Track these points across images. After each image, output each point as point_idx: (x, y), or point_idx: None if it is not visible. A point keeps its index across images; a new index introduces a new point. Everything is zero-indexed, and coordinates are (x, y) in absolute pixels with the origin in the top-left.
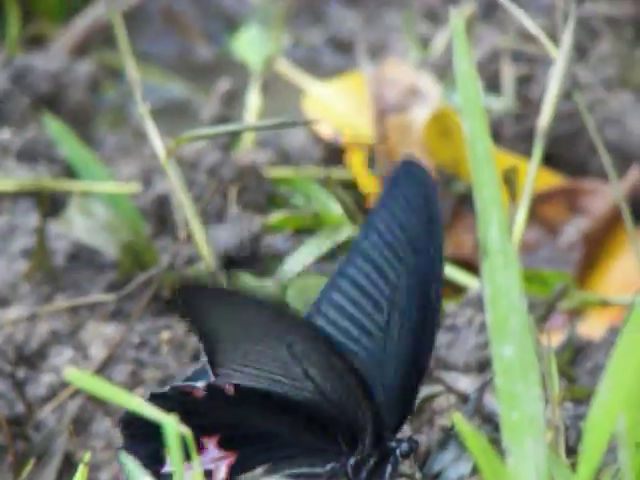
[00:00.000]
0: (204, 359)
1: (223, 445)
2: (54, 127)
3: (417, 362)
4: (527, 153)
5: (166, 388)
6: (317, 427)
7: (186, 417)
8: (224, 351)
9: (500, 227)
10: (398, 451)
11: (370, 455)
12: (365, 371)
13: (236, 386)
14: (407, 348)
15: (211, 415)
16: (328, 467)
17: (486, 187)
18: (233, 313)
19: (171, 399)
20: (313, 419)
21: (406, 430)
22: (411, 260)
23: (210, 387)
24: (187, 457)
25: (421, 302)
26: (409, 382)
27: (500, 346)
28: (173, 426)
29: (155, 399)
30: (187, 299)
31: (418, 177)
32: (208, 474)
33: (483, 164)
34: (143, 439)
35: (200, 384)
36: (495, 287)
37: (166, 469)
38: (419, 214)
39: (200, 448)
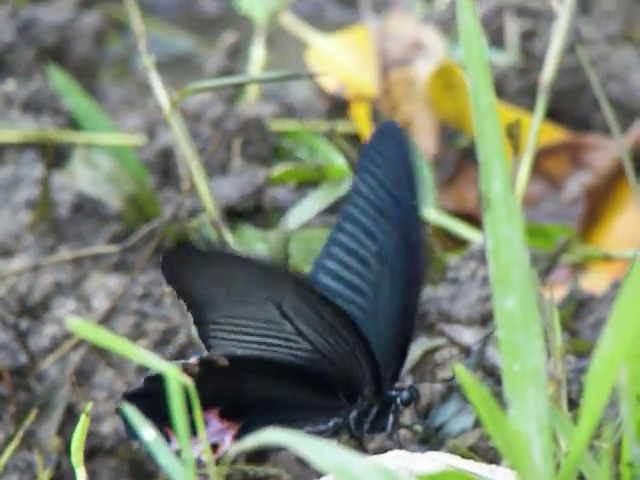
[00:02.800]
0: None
1: (225, 416)
2: (59, 79)
3: (407, 311)
4: (530, 108)
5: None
6: (316, 386)
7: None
8: (213, 320)
9: (503, 179)
10: (399, 399)
11: (371, 406)
12: (360, 325)
13: (229, 357)
14: (397, 299)
15: (209, 388)
16: (331, 423)
17: (489, 140)
18: (219, 274)
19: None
20: (311, 379)
21: (407, 382)
22: (395, 215)
23: (203, 361)
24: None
25: (407, 255)
26: (401, 332)
27: (502, 298)
28: (176, 376)
29: (151, 381)
30: (171, 264)
31: (396, 138)
32: (213, 447)
33: (486, 117)
34: (147, 397)
35: (193, 360)
36: (498, 239)
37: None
38: (398, 172)
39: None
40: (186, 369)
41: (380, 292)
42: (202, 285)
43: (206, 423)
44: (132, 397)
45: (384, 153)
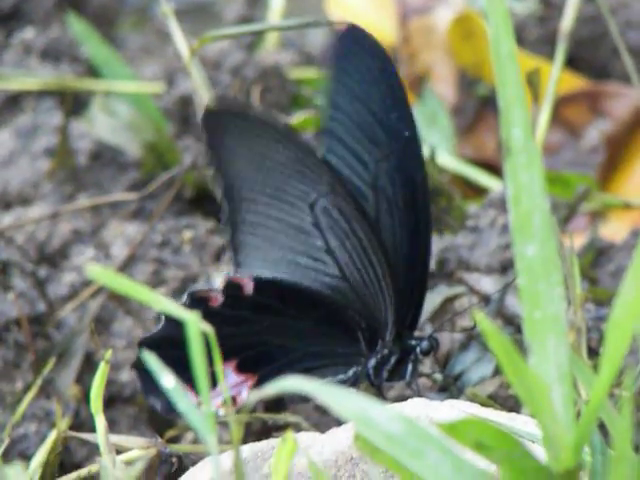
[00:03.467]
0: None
1: (242, 369)
2: (78, 27)
3: (419, 254)
4: (550, 56)
5: (183, 298)
6: (338, 327)
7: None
8: (247, 217)
9: (523, 126)
10: (418, 349)
11: (391, 354)
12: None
13: (255, 281)
14: (403, 239)
15: (229, 331)
16: (350, 372)
17: (509, 87)
18: (259, 144)
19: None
20: (334, 316)
21: (427, 330)
22: (386, 143)
23: (229, 284)
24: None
25: (408, 189)
26: (415, 278)
27: (523, 245)
28: (195, 323)
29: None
30: (213, 126)
31: (368, 47)
32: (231, 400)
33: (507, 64)
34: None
35: (218, 283)
36: (518, 186)
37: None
38: (380, 90)
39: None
40: (209, 298)
41: (379, 225)
42: (241, 157)
43: (224, 376)
44: (149, 342)
45: (358, 65)
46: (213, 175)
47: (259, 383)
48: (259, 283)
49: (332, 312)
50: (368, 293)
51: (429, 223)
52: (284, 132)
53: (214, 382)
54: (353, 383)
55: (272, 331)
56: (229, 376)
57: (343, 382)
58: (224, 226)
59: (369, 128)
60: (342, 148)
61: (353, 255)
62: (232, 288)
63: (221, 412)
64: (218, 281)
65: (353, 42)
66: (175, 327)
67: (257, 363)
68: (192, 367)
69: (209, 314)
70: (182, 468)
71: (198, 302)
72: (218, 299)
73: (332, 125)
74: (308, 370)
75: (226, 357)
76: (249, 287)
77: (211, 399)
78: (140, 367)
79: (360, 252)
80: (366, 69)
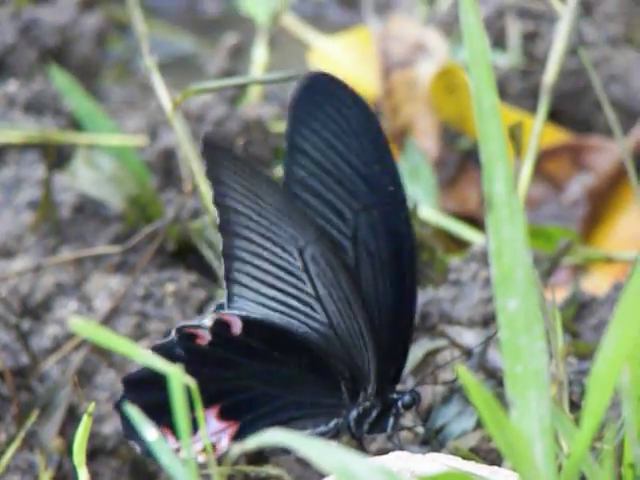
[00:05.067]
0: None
1: (224, 416)
2: (61, 80)
3: (403, 309)
4: (532, 109)
5: (171, 335)
6: (322, 375)
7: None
8: (239, 253)
9: (506, 180)
10: (400, 402)
11: (372, 406)
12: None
13: (244, 320)
14: (388, 292)
15: (214, 373)
16: (332, 424)
17: (492, 141)
18: (252, 185)
19: (174, 352)
20: (319, 364)
21: (409, 383)
22: (366, 194)
23: (217, 323)
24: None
25: (392, 241)
26: (399, 332)
27: (505, 299)
28: (178, 375)
29: (159, 350)
30: (211, 154)
31: (343, 96)
32: (212, 447)
33: (489, 118)
34: (145, 390)
35: (207, 320)
36: (500, 240)
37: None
38: (359, 140)
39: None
40: (197, 336)
41: (360, 278)
42: (235, 193)
43: (205, 422)
44: (132, 381)
45: (325, 108)
46: (213, 203)
47: (241, 431)
48: (247, 323)
49: (317, 359)
50: (352, 344)
51: (415, 276)
52: (274, 187)
53: (195, 427)
54: (334, 435)
55: (257, 376)
56: (211, 422)
57: (324, 434)
58: (221, 257)
59: (345, 178)
60: (311, 196)
61: (339, 305)
62: (220, 326)
63: (201, 458)
64: (207, 319)
65: (325, 90)
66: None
67: (240, 410)
68: (173, 414)
69: (195, 351)
70: None
71: (186, 338)
72: (206, 337)
73: (298, 171)
74: (290, 420)
75: (209, 402)
76: (237, 326)
77: (191, 445)
78: (121, 409)
79: (345, 303)
80: (341, 118)
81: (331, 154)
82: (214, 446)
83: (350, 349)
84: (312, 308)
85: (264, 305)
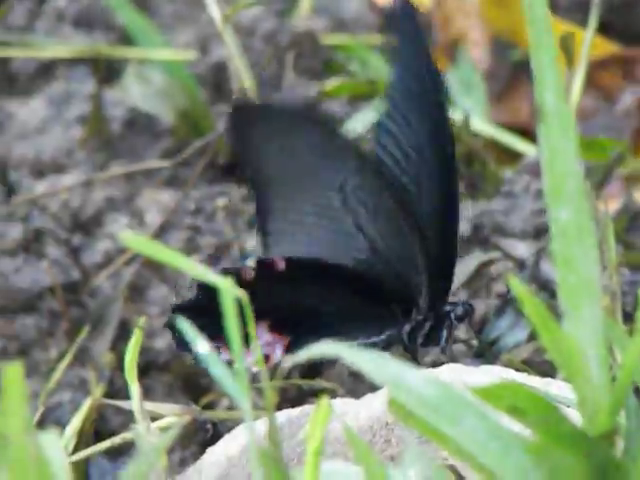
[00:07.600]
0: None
1: (275, 329)
2: None
3: (449, 219)
4: (582, 23)
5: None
6: (371, 297)
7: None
8: (276, 206)
9: (557, 91)
10: (453, 314)
11: (425, 319)
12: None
13: (287, 260)
14: (438, 213)
15: (261, 298)
16: (384, 335)
17: (543, 51)
18: (284, 133)
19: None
20: (367, 288)
21: (462, 296)
22: (428, 129)
23: (260, 263)
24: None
25: (443, 167)
26: (446, 242)
27: (557, 209)
28: (229, 287)
29: (202, 290)
30: (237, 126)
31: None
32: (264, 359)
33: (540, 29)
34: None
35: (249, 261)
36: (552, 150)
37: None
38: (423, 79)
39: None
40: (242, 273)
41: (424, 195)
42: (267, 150)
43: (256, 336)
44: (183, 309)
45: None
46: (241, 166)
47: (292, 345)
48: (290, 262)
49: (364, 285)
50: (400, 264)
51: (457, 187)
52: (308, 121)
53: (247, 344)
54: (386, 346)
55: (307, 294)
56: (262, 335)
57: (376, 345)
58: (254, 216)
59: (417, 92)
60: (398, 114)
61: (384, 228)
62: (264, 266)
63: (254, 370)
64: (249, 260)
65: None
66: (207, 295)
67: (291, 324)
68: (225, 329)
69: (241, 286)
70: (217, 435)
71: (232, 275)
72: (250, 274)
73: (393, 93)
74: (342, 332)
75: (260, 316)
76: (281, 265)
77: (244, 356)
78: (173, 327)
79: (393, 224)
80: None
81: (412, 82)
82: (267, 358)
83: (398, 269)
84: (354, 239)
85: (303, 248)
